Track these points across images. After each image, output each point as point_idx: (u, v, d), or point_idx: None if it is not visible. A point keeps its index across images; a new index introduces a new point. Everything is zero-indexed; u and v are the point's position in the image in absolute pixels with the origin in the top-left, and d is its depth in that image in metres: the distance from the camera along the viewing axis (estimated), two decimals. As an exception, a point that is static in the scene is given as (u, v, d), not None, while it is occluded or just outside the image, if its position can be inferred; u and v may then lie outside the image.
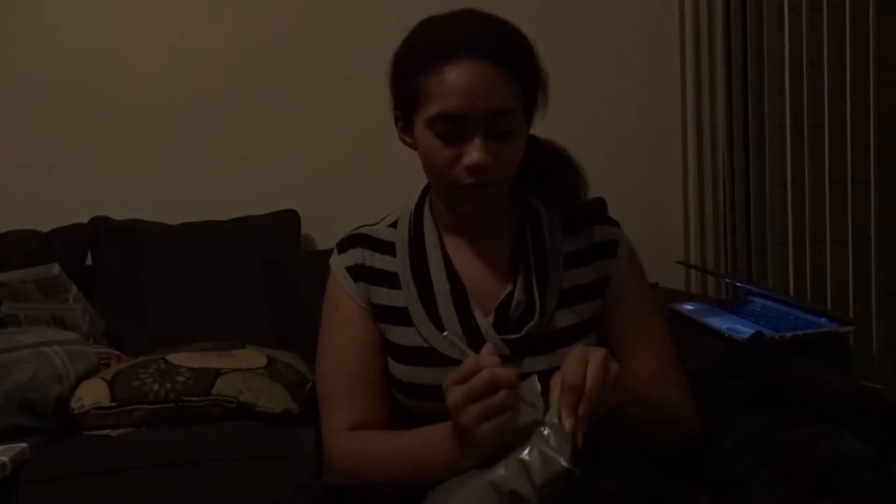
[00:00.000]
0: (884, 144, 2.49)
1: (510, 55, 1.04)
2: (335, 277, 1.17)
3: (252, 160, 2.41)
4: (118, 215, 2.26)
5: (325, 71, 2.42)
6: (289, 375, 1.70)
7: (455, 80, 1.01)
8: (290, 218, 2.31)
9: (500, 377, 0.91)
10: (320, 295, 1.20)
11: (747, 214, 2.56)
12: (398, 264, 1.16)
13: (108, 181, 2.36)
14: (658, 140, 2.57)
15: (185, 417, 1.58)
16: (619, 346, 1.14)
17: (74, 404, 1.56)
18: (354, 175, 2.43)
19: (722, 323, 1.69)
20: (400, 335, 1.13)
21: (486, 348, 0.96)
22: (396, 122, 1.14)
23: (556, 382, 0.92)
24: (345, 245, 1.19)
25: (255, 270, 2.13)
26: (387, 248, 1.18)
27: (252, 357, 1.72)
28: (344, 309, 1.16)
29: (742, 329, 1.62)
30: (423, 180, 1.18)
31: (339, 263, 1.18)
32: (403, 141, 1.13)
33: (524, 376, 0.97)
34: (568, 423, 0.88)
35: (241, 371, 1.64)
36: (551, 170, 1.20)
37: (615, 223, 1.22)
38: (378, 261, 1.17)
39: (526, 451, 0.88)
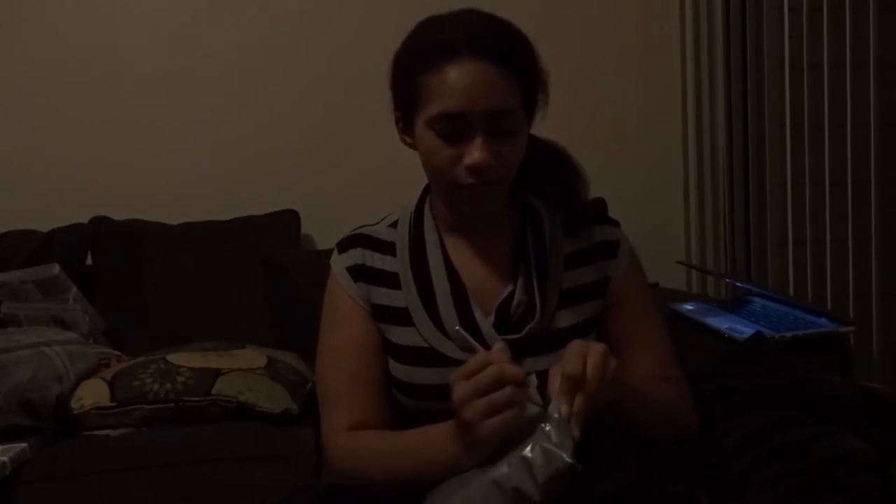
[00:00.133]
0: (884, 144, 2.49)
1: (511, 55, 1.04)
2: (335, 277, 1.17)
3: (252, 160, 2.42)
4: (118, 215, 2.26)
5: (325, 71, 2.42)
6: (289, 375, 1.70)
7: (456, 80, 1.01)
8: (290, 218, 2.31)
9: (507, 373, 0.91)
10: (320, 295, 1.20)
11: (747, 214, 2.56)
12: (398, 264, 1.16)
13: (108, 181, 2.36)
14: (658, 140, 2.57)
15: (185, 417, 1.58)
16: (618, 345, 1.14)
17: (74, 404, 1.56)
18: (354, 175, 2.43)
19: (722, 323, 1.69)
20: (400, 335, 1.13)
21: (498, 346, 0.96)
22: (397, 122, 1.14)
23: (555, 374, 0.93)
24: (345, 245, 1.19)
25: (255, 270, 2.13)
26: (387, 248, 1.18)
27: (252, 357, 1.72)
28: (344, 309, 1.16)
29: (742, 329, 1.62)
30: (423, 180, 1.18)
31: (339, 263, 1.18)
32: (404, 141, 1.13)
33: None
34: (565, 409, 0.89)
35: (241, 371, 1.64)
36: (552, 170, 1.20)
37: (615, 223, 1.22)
38: (378, 261, 1.17)
39: (528, 448, 0.89)
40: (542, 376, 1.00)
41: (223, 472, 1.46)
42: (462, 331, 1.05)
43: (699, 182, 2.56)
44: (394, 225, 1.20)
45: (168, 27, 2.38)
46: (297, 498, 1.00)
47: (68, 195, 2.32)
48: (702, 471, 1.10)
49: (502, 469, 0.90)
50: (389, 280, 1.15)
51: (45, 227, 2.21)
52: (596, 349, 0.93)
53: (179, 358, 1.66)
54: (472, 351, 1.02)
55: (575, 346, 0.94)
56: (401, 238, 1.18)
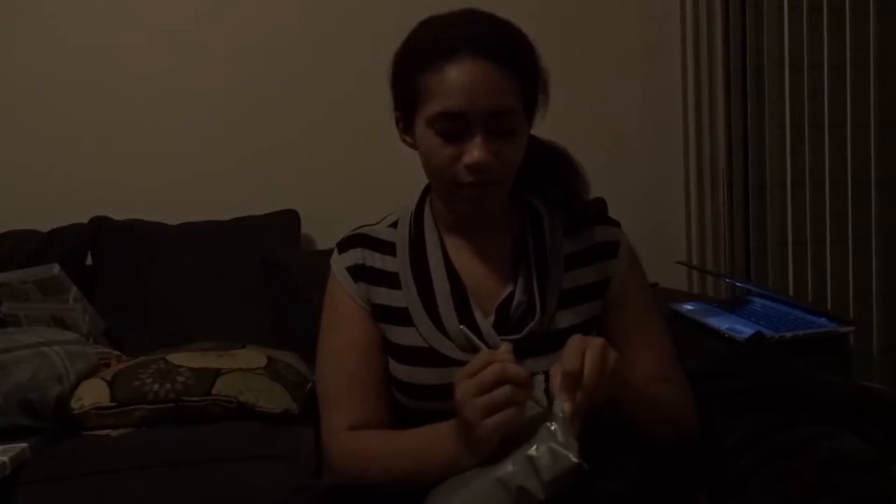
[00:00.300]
0: (884, 144, 2.49)
1: (511, 54, 1.04)
2: (335, 277, 1.17)
3: (252, 160, 2.42)
4: (118, 215, 2.26)
5: (325, 71, 2.42)
6: (289, 375, 1.70)
7: (456, 79, 1.01)
8: (290, 218, 2.31)
9: (509, 372, 0.91)
10: (320, 295, 1.20)
11: (747, 214, 2.56)
12: (398, 264, 1.16)
13: (108, 181, 2.36)
14: (658, 140, 2.57)
15: (185, 417, 1.58)
16: (618, 345, 1.13)
17: (74, 404, 1.56)
18: (354, 175, 2.43)
19: (722, 323, 1.69)
20: (400, 335, 1.13)
21: (504, 346, 0.96)
22: (397, 122, 1.14)
23: (555, 372, 0.93)
24: (345, 245, 1.19)
25: (255, 270, 2.13)
26: (387, 248, 1.18)
27: (252, 357, 1.72)
28: (344, 309, 1.16)
29: (742, 329, 1.62)
30: (423, 180, 1.18)
31: (339, 263, 1.18)
32: (404, 141, 1.14)
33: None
34: (567, 407, 0.89)
35: (241, 371, 1.64)
36: (552, 170, 1.20)
37: (616, 224, 1.22)
38: (378, 261, 1.17)
39: (533, 448, 0.89)
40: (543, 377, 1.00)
41: (223, 472, 1.46)
42: (466, 329, 1.05)
43: (699, 182, 2.56)
44: (394, 225, 1.20)
45: (168, 27, 2.38)
46: (297, 498, 1.00)
47: (68, 195, 2.32)
48: (702, 471, 1.10)
49: (507, 468, 0.90)
50: (389, 280, 1.15)
51: (45, 227, 2.21)
52: (594, 344, 0.93)
53: (179, 358, 1.66)
54: (474, 350, 1.02)
55: (573, 342, 0.95)
56: (401, 238, 1.18)
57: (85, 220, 2.24)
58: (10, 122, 2.35)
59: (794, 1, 2.45)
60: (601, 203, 2.15)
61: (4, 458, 1.42)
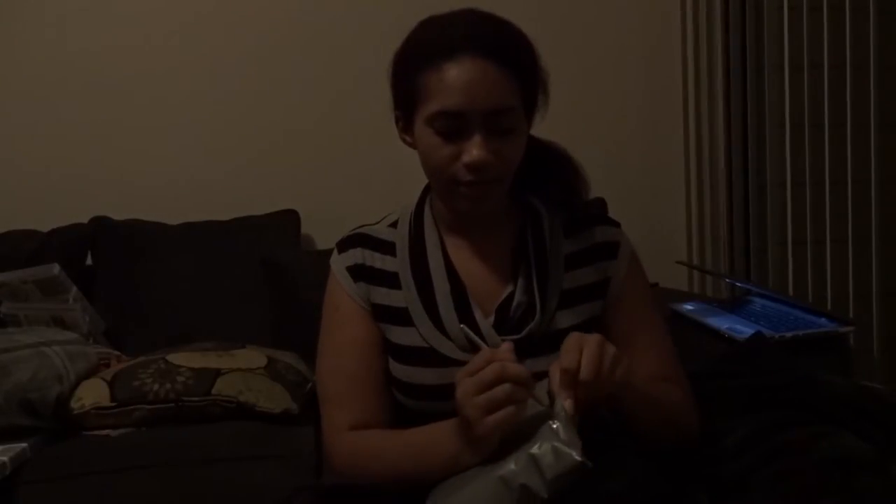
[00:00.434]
0: (884, 144, 2.49)
1: (510, 53, 1.04)
2: (335, 277, 1.17)
3: (252, 160, 2.42)
4: (118, 215, 2.26)
5: (325, 71, 2.42)
6: (289, 375, 1.70)
7: (456, 78, 1.02)
8: (290, 218, 2.31)
9: (508, 371, 0.91)
10: (320, 295, 1.20)
11: (747, 214, 2.56)
12: (398, 264, 1.16)
13: (108, 181, 2.36)
14: (658, 140, 2.57)
15: (185, 417, 1.58)
16: (619, 346, 1.12)
17: (74, 404, 1.56)
18: (354, 175, 2.43)
19: (722, 323, 1.69)
20: (400, 335, 1.13)
21: (505, 345, 0.96)
22: (397, 121, 1.14)
23: (554, 370, 0.94)
24: (345, 245, 1.19)
25: (255, 270, 2.13)
26: (387, 247, 1.18)
27: (252, 357, 1.72)
28: (344, 309, 1.16)
29: (742, 329, 1.62)
30: (423, 180, 1.18)
31: (339, 263, 1.17)
32: (404, 140, 1.14)
33: (535, 378, 0.98)
34: (568, 405, 0.90)
35: (241, 371, 1.64)
36: (552, 170, 1.20)
37: (616, 224, 1.22)
38: (378, 261, 1.17)
39: (536, 446, 0.89)
40: (542, 377, 1.00)
41: (223, 472, 1.46)
42: (466, 329, 1.05)
43: (699, 182, 2.56)
44: (394, 225, 1.20)
45: (168, 28, 2.38)
46: (298, 498, 1.00)
47: (68, 195, 2.32)
48: (702, 471, 1.10)
49: (510, 466, 0.90)
50: (389, 280, 1.15)
51: (45, 227, 2.21)
52: (591, 340, 0.94)
53: (179, 358, 1.66)
54: (474, 350, 1.02)
55: (571, 339, 0.95)
56: (401, 238, 1.18)
57: (85, 220, 2.24)
58: (11, 122, 2.34)
59: (794, 1, 2.45)
60: (601, 203, 2.15)
61: (4, 458, 1.42)
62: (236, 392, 1.59)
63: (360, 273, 1.16)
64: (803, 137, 2.48)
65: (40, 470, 1.46)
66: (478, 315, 1.11)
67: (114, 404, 1.56)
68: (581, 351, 0.92)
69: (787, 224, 2.51)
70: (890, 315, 2.52)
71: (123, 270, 2.18)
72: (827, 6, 2.44)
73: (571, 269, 1.16)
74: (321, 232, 2.39)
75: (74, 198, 2.31)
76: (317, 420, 1.19)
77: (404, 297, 1.14)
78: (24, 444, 1.49)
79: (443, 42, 1.03)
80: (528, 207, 1.19)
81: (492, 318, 1.12)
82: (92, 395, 1.58)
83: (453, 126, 1.03)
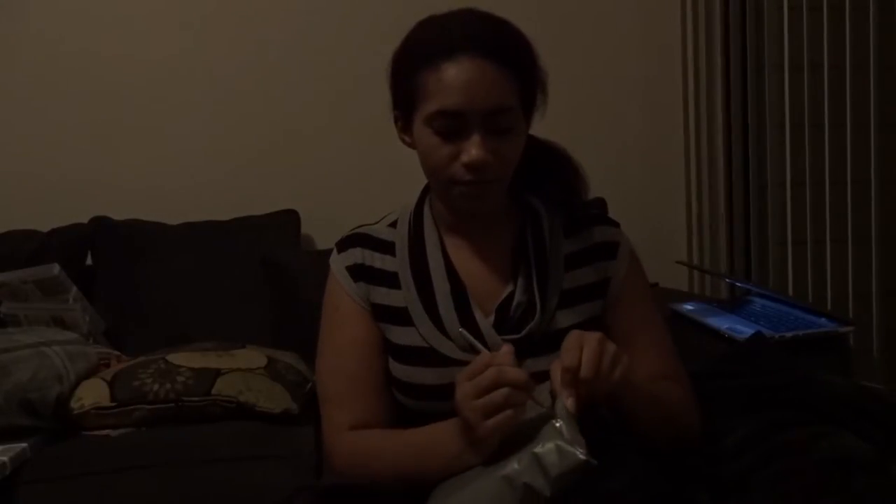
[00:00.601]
0: (884, 144, 2.49)
1: (509, 53, 1.04)
2: (335, 277, 1.17)
3: (252, 160, 2.42)
4: (118, 215, 2.26)
5: (325, 71, 2.42)
6: (289, 375, 1.70)
7: (454, 78, 1.02)
8: (290, 218, 2.31)
9: (506, 375, 0.91)
10: (320, 295, 1.20)
11: (747, 214, 2.56)
12: (398, 264, 1.16)
13: (108, 181, 2.36)
14: (658, 140, 2.57)
15: (185, 417, 1.58)
16: (619, 345, 1.12)
17: (74, 404, 1.56)
18: (354, 175, 2.43)
19: (722, 323, 1.69)
20: (400, 335, 1.14)
21: (505, 348, 0.96)
22: (396, 121, 1.14)
23: (555, 368, 0.94)
24: (344, 244, 1.19)
25: (255, 270, 2.13)
26: (386, 247, 1.18)
27: (252, 357, 1.72)
28: (344, 308, 1.16)
29: (742, 329, 1.62)
30: (423, 180, 1.18)
31: (338, 263, 1.17)
32: (403, 140, 1.14)
33: (534, 378, 0.98)
34: (570, 403, 0.90)
35: (241, 371, 1.64)
36: (551, 170, 1.20)
37: (615, 224, 1.22)
38: (378, 260, 1.17)
39: (539, 445, 0.89)
40: (543, 377, 1.01)
41: (223, 472, 1.46)
42: (465, 332, 1.05)
43: (699, 182, 2.56)
44: (393, 224, 1.20)
45: (169, 28, 2.38)
46: (298, 498, 1.00)
47: (68, 195, 2.32)
48: (702, 470, 1.10)
49: (513, 465, 0.91)
50: (389, 280, 1.15)
51: (45, 227, 2.21)
52: (591, 338, 0.94)
53: (179, 358, 1.66)
54: (475, 352, 1.02)
55: (571, 337, 0.95)
56: (400, 237, 1.18)
57: (85, 220, 2.24)
58: (11, 122, 2.34)
59: (794, 1, 2.45)
60: (601, 203, 2.15)
61: (4, 458, 1.42)
62: (236, 392, 1.59)
63: (359, 273, 1.16)
64: (803, 137, 2.48)
65: (40, 470, 1.46)
66: (478, 315, 1.11)
67: (114, 404, 1.56)
68: (581, 349, 0.93)
69: (786, 224, 2.51)
70: (890, 315, 2.52)
71: (123, 270, 2.18)
72: (827, 6, 2.44)
73: (571, 269, 1.16)
74: (321, 232, 2.39)
75: (74, 198, 2.31)
76: (317, 420, 1.19)
77: (404, 296, 1.14)
78: (24, 444, 1.49)
79: (441, 42, 1.03)
80: (527, 207, 1.19)
81: (492, 318, 1.12)
82: (92, 395, 1.58)
83: (452, 126, 1.03)
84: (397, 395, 1.14)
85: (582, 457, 0.86)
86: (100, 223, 2.23)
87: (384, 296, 1.15)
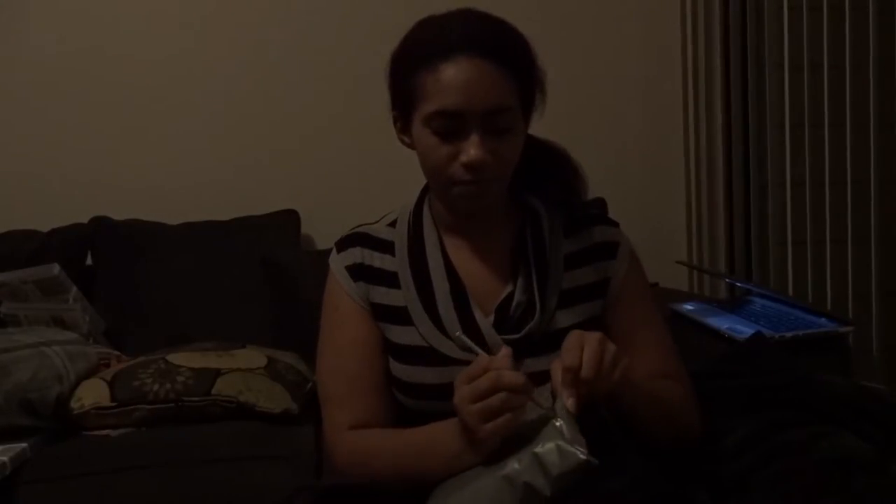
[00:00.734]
0: (883, 144, 2.49)
1: (508, 53, 1.04)
2: (334, 277, 1.17)
3: (252, 160, 2.42)
4: (118, 215, 2.26)
5: (325, 71, 2.42)
6: (289, 375, 1.70)
7: (453, 78, 1.02)
8: (290, 218, 2.31)
9: (503, 380, 0.92)
10: (320, 295, 1.20)
11: (747, 214, 2.56)
12: (397, 263, 1.16)
13: (108, 181, 2.36)
14: (659, 140, 2.57)
15: (185, 417, 1.58)
16: (619, 345, 1.12)
17: (74, 404, 1.56)
18: (354, 175, 2.43)
19: (722, 323, 1.69)
20: (399, 334, 1.14)
21: (503, 351, 0.96)
22: (395, 122, 1.14)
23: (555, 368, 0.94)
24: (344, 244, 1.19)
25: (255, 270, 2.13)
26: (386, 247, 1.18)
27: (252, 357, 1.72)
28: (344, 308, 1.16)
29: (742, 329, 1.62)
30: (423, 180, 1.18)
31: (338, 263, 1.17)
32: (402, 141, 1.13)
33: (534, 378, 0.98)
34: (570, 403, 0.91)
35: (241, 371, 1.64)
36: (551, 170, 1.20)
37: (615, 224, 1.22)
38: (377, 260, 1.17)
39: (540, 445, 0.89)
40: (542, 376, 1.01)
41: (223, 472, 1.46)
42: (463, 336, 1.05)
43: (699, 182, 2.56)
44: (392, 224, 1.20)
45: (169, 29, 2.38)
46: (298, 498, 1.00)
47: (68, 195, 2.32)
48: (702, 470, 1.10)
49: (513, 465, 0.91)
50: (388, 279, 1.15)
51: (45, 227, 2.21)
52: (592, 338, 0.94)
53: (179, 358, 1.66)
54: (474, 353, 1.02)
55: (572, 337, 0.95)
56: (400, 237, 1.18)
57: (85, 220, 2.24)
58: (11, 122, 2.34)
59: (794, 1, 2.45)
60: (601, 203, 2.15)
61: (4, 458, 1.42)
62: (236, 392, 1.59)
63: (359, 272, 1.16)
64: (803, 137, 2.48)
65: (40, 470, 1.46)
66: (477, 314, 1.11)
67: (114, 404, 1.56)
68: (582, 349, 0.93)
69: (786, 224, 2.51)
70: (889, 315, 2.52)
71: (123, 270, 2.18)
72: (827, 6, 2.44)
73: (571, 269, 1.16)
74: (321, 232, 2.39)
75: (74, 198, 2.31)
76: (317, 420, 1.19)
77: (403, 296, 1.14)
78: (24, 444, 1.49)
79: (439, 42, 1.04)
80: (527, 207, 1.19)
81: (491, 318, 1.12)
82: (92, 395, 1.58)
83: (451, 126, 1.03)
84: (397, 394, 1.14)
85: (582, 456, 0.86)
86: (100, 223, 2.24)
87: (384, 295, 1.15)
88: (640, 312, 1.17)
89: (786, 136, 2.49)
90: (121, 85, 2.37)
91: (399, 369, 1.13)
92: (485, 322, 1.11)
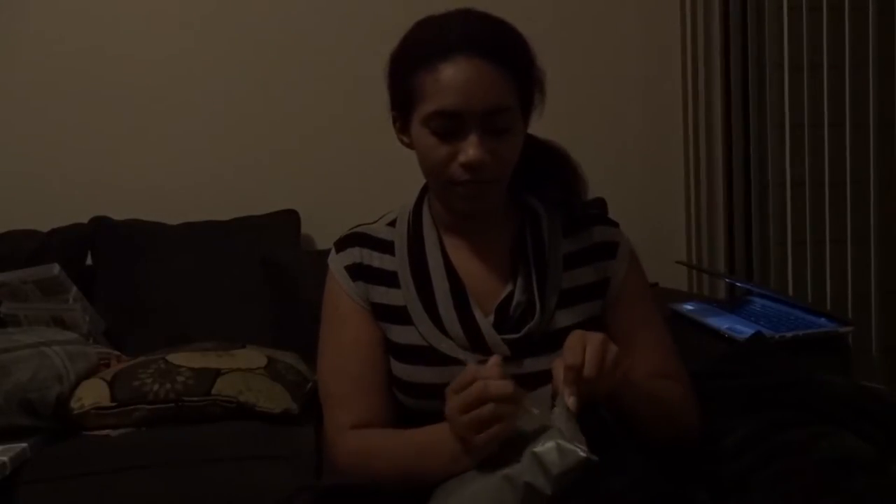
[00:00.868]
0: (883, 144, 2.49)
1: (506, 53, 1.04)
2: (334, 277, 1.17)
3: (252, 160, 2.42)
4: (118, 215, 2.26)
5: (325, 71, 2.42)
6: (289, 375, 1.70)
7: (451, 78, 1.02)
8: (290, 218, 2.31)
9: (490, 391, 0.92)
10: (320, 295, 1.20)
11: (747, 214, 2.56)
12: (397, 263, 1.16)
13: (108, 181, 2.36)
14: (659, 140, 2.57)
15: (185, 417, 1.58)
16: (619, 345, 1.12)
17: (74, 404, 1.56)
18: (354, 175, 2.43)
19: (722, 323, 1.69)
20: (399, 334, 1.14)
21: (493, 359, 0.96)
22: (394, 122, 1.14)
23: (557, 366, 0.95)
24: (343, 244, 1.19)
25: (255, 270, 2.13)
26: (385, 246, 1.18)
27: (252, 357, 1.72)
28: (344, 308, 1.16)
29: (742, 329, 1.62)
30: (423, 180, 1.18)
31: (337, 262, 1.17)
32: (401, 141, 1.13)
33: (533, 378, 0.98)
34: (571, 402, 0.91)
35: (241, 371, 1.64)
36: (550, 170, 1.20)
37: (615, 224, 1.22)
38: (377, 259, 1.17)
39: (539, 444, 0.90)
40: (542, 376, 1.01)
41: (223, 472, 1.46)
42: (455, 345, 1.05)
43: (699, 182, 2.56)
44: (392, 224, 1.20)
45: (169, 29, 2.38)
46: (298, 498, 1.00)
47: (68, 195, 2.32)
48: (702, 470, 1.10)
49: (513, 465, 0.91)
50: (388, 279, 1.15)
51: (45, 227, 2.21)
52: (594, 338, 0.94)
53: (179, 358, 1.66)
54: (475, 349, 1.02)
55: (574, 337, 0.96)
56: (399, 237, 1.18)
57: (85, 220, 2.24)
58: (11, 122, 2.34)
59: (794, 1, 2.45)
60: (601, 203, 2.15)
61: (4, 458, 1.42)
62: (236, 392, 1.59)
63: (358, 272, 1.16)
64: (803, 137, 2.48)
65: (40, 470, 1.46)
66: (477, 314, 1.12)
67: (114, 404, 1.56)
68: (585, 348, 0.93)
69: (786, 224, 2.51)
70: (889, 315, 2.52)
71: (123, 270, 2.18)
72: (827, 6, 2.44)
73: (570, 269, 1.16)
74: (321, 232, 2.39)
75: (74, 198, 2.31)
76: (317, 420, 1.19)
77: (403, 295, 1.14)
78: (24, 444, 1.49)
79: (438, 42, 1.04)
80: (526, 207, 1.19)
81: (491, 318, 1.12)
82: (92, 395, 1.58)
83: (449, 126, 1.03)
84: (398, 394, 1.14)
85: (582, 454, 0.87)
86: (100, 223, 2.23)
87: (383, 295, 1.15)
88: (639, 312, 1.17)
89: (786, 136, 2.49)
90: (121, 85, 2.37)
91: (399, 369, 1.13)
92: (485, 322, 1.11)
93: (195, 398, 1.58)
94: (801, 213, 2.50)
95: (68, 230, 2.22)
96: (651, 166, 2.56)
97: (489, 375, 0.93)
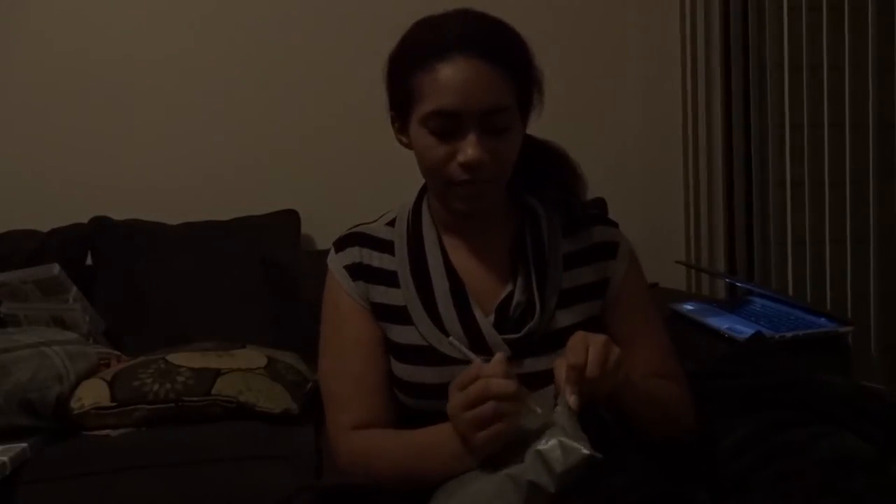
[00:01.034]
0: (883, 144, 2.49)
1: (504, 53, 1.04)
2: (333, 276, 1.17)
3: (252, 160, 2.42)
4: (118, 215, 2.26)
5: (325, 71, 2.42)
6: (289, 375, 1.70)
7: (450, 78, 1.02)
8: (290, 218, 2.31)
9: (492, 389, 0.92)
10: (320, 295, 1.20)
11: (747, 214, 2.56)
12: (397, 262, 1.16)
13: (108, 181, 2.36)
14: (658, 140, 2.57)
15: (185, 417, 1.58)
16: (618, 344, 1.13)
17: (74, 404, 1.56)
18: (354, 175, 2.43)
19: (722, 323, 1.69)
20: (399, 334, 1.14)
21: (497, 356, 0.96)
22: (393, 122, 1.14)
23: (560, 365, 0.95)
24: (342, 244, 1.19)
25: (255, 270, 2.13)
26: (385, 246, 1.18)
27: (252, 357, 1.72)
28: (343, 308, 1.16)
29: (742, 329, 1.62)
30: (423, 180, 1.18)
31: (336, 262, 1.17)
32: (400, 141, 1.14)
33: (533, 377, 0.98)
34: (572, 400, 0.91)
35: (241, 371, 1.64)
36: (549, 170, 1.20)
37: (614, 224, 1.22)
38: (376, 259, 1.17)
39: (542, 443, 0.90)
40: (542, 376, 1.01)
41: (223, 472, 1.46)
42: (456, 342, 1.05)
43: (699, 182, 2.56)
44: (391, 223, 1.20)
45: (169, 29, 2.38)
46: (298, 498, 1.00)
47: (68, 195, 2.32)
48: (702, 470, 1.10)
49: (517, 463, 0.91)
50: (388, 278, 1.15)
51: (45, 227, 2.21)
52: (597, 339, 0.95)
53: (179, 358, 1.66)
54: (474, 348, 1.02)
55: (577, 337, 0.96)
56: (399, 236, 1.18)
57: (85, 220, 2.24)
58: (11, 122, 2.34)
59: (794, 1, 2.45)
60: (601, 203, 2.15)
61: (4, 458, 1.42)
62: (236, 392, 1.59)
63: (358, 272, 1.16)
64: (803, 137, 2.48)
65: (40, 470, 1.46)
66: (477, 314, 1.12)
67: (114, 404, 1.56)
68: (587, 349, 0.93)
69: (786, 224, 2.51)
70: (889, 315, 2.52)
71: (123, 270, 2.18)
72: (827, 6, 2.44)
73: (570, 269, 1.16)
74: (321, 232, 2.39)
75: (74, 198, 2.31)
76: (317, 420, 1.19)
77: (403, 295, 1.14)
78: (24, 444, 1.49)
79: (436, 42, 1.04)
80: (526, 207, 1.19)
81: (492, 318, 1.12)
82: (92, 395, 1.58)
83: (448, 126, 1.03)
84: (398, 394, 1.14)
85: (586, 451, 0.87)
86: (100, 223, 2.23)
87: (383, 294, 1.15)
88: (639, 312, 1.17)
89: (786, 136, 2.49)
90: (121, 85, 2.37)
91: (399, 369, 1.13)
92: (485, 321, 1.11)
93: (195, 398, 1.58)
94: (801, 213, 2.50)
95: (68, 230, 2.22)
96: (651, 166, 2.56)
97: (492, 373, 0.93)
